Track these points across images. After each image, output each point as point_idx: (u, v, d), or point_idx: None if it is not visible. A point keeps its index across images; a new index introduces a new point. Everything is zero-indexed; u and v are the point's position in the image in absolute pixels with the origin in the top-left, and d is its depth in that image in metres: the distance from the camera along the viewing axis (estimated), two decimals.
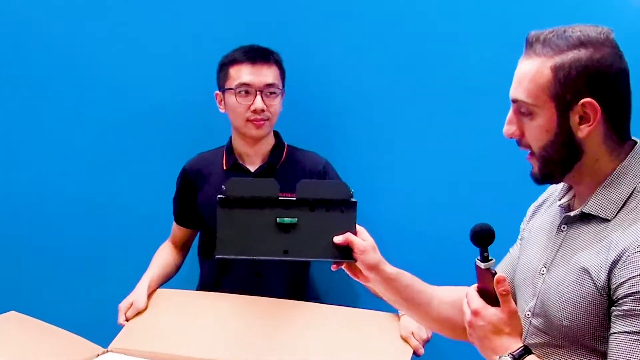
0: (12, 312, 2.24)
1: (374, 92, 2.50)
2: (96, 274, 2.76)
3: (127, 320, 2.26)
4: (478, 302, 1.48)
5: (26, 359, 2.06)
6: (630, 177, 1.46)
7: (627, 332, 1.36)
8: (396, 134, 2.49)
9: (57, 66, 2.73)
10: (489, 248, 1.46)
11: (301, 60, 2.50)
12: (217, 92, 2.42)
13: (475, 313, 1.47)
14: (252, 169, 2.41)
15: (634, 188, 1.45)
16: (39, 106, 2.76)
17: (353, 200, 1.61)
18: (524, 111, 1.46)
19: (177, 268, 2.53)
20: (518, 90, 1.46)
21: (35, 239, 2.81)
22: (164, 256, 2.50)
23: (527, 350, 1.46)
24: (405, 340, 2.16)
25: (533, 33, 1.47)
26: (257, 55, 2.35)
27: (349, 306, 2.30)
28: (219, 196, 1.58)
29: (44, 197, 2.78)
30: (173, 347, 2.13)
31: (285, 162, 2.42)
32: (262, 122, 2.34)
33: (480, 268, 1.46)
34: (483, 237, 1.45)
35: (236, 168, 2.41)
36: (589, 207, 1.47)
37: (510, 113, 1.50)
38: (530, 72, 1.44)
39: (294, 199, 1.59)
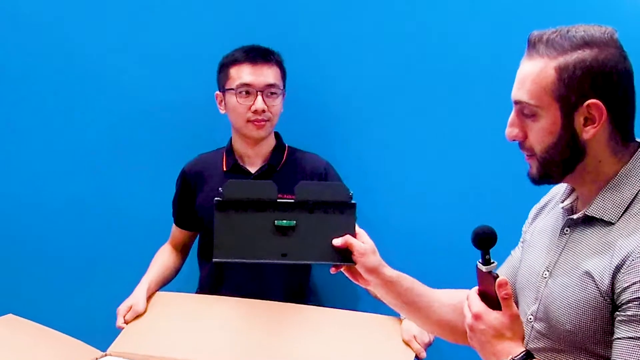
0: (10, 315, 2.24)
1: (376, 93, 2.50)
2: (95, 276, 2.76)
3: (125, 323, 2.26)
4: (479, 306, 1.46)
5: None
6: (634, 179, 1.45)
7: (631, 338, 1.35)
8: (398, 136, 2.49)
9: (56, 67, 2.72)
10: (491, 251, 1.45)
11: (302, 61, 2.50)
12: (218, 92, 2.41)
13: (476, 317, 1.46)
14: (253, 170, 2.40)
15: (638, 191, 1.44)
16: (37, 107, 2.76)
17: (352, 202, 1.60)
18: (527, 113, 1.45)
19: (177, 271, 2.52)
20: (521, 91, 1.45)
21: (33, 241, 2.80)
22: (164, 259, 2.49)
23: (529, 355, 1.45)
24: (407, 344, 2.16)
25: (536, 33, 1.46)
26: (258, 55, 2.35)
27: (350, 309, 2.30)
28: (216, 199, 1.57)
29: (42, 199, 2.78)
30: (172, 350, 2.12)
31: (286, 164, 2.42)
32: (262, 122, 2.34)
33: (482, 271, 1.45)
34: (485, 240, 1.44)
35: (236, 169, 2.40)
36: (592, 210, 1.46)
37: (512, 115, 1.48)
38: (533, 73, 1.43)
39: (293, 201, 1.58)
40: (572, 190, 1.56)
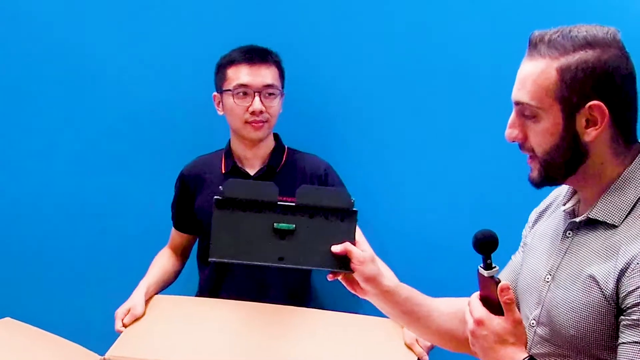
0: (8, 319, 2.24)
1: (376, 94, 2.50)
2: (93, 280, 2.75)
3: (124, 326, 2.24)
4: (481, 311, 1.45)
5: None
6: (637, 181, 1.44)
7: (636, 342, 1.34)
8: (398, 137, 2.49)
9: (54, 67, 2.71)
10: (492, 255, 1.44)
11: (302, 61, 2.49)
12: (215, 93, 2.41)
13: (478, 322, 1.45)
14: (252, 172, 2.40)
15: None
16: (34, 108, 2.74)
17: (354, 209, 1.58)
18: (527, 114, 1.44)
19: (176, 274, 2.52)
20: (521, 92, 1.44)
21: (31, 243, 2.80)
22: (163, 262, 2.48)
23: None
24: (409, 347, 2.15)
25: (537, 33, 1.45)
26: (255, 55, 2.34)
27: (352, 312, 2.29)
28: (215, 197, 1.56)
29: (40, 202, 2.77)
30: (171, 354, 2.11)
31: (286, 165, 2.41)
32: (260, 123, 2.33)
33: (483, 276, 1.44)
34: (486, 244, 1.43)
35: (235, 172, 2.40)
36: (595, 213, 1.45)
37: (512, 116, 1.48)
38: (535, 73, 1.42)
39: (293, 204, 1.57)
40: (574, 193, 1.55)
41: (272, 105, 2.34)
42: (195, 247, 2.55)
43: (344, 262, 1.57)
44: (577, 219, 1.49)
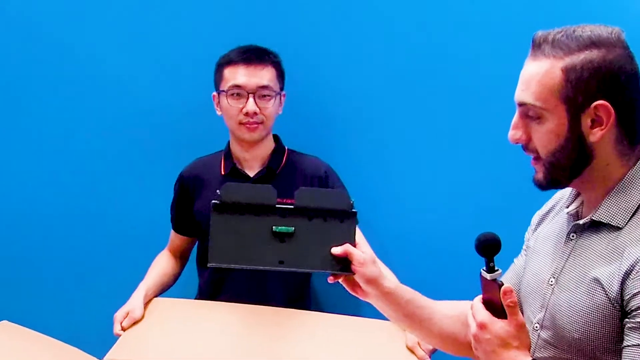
0: (5, 322, 2.23)
1: (377, 95, 2.50)
2: (92, 282, 2.75)
3: (123, 330, 2.24)
4: (484, 315, 1.45)
5: None
6: None
7: None
8: (399, 139, 2.49)
9: (52, 68, 2.71)
10: (495, 258, 1.44)
11: (302, 62, 2.50)
12: (214, 93, 2.41)
13: (481, 326, 1.45)
14: (251, 174, 2.40)
15: None
16: (32, 109, 2.74)
17: (353, 210, 1.58)
18: (531, 115, 1.44)
19: (176, 277, 2.52)
20: (525, 93, 1.43)
21: (28, 245, 2.79)
22: (162, 265, 2.48)
23: None
24: (411, 350, 2.15)
25: (540, 33, 1.44)
26: (253, 55, 2.34)
27: (353, 315, 2.28)
28: (213, 201, 1.56)
29: (37, 203, 2.76)
30: (170, 357, 2.11)
31: (286, 167, 2.41)
32: (255, 125, 2.32)
33: (486, 279, 1.44)
34: (489, 247, 1.43)
35: (235, 173, 2.39)
36: (599, 215, 1.45)
37: (515, 117, 1.47)
38: (539, 74, 1.41)
39: (292, 207, 1.57)
40: (577, 195, 1.55)
41: (267, 107, 2.33)
42: (194, 249, 2.55)
43: (344, 264, 1.56)
44: (581, 222, 1.48)
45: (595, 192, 1.47)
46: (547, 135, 1.43)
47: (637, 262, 1.35)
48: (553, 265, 1.52)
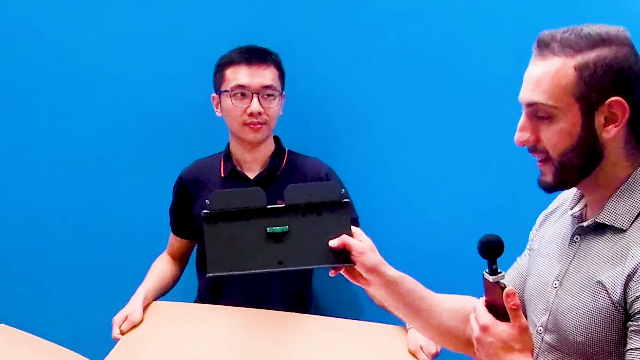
0: (2, 326, 2.24)
1: (379, 96, 2.49)
2: (90, 286, 2.74)
3: (122, 334, 2.24)
4: (486, 317, 1.44)
5: None
6: None
7: None
8: (401, 140, 2.49)
9: (51, 69, 2.70)
10: (498, 260, 1.43)
11: (303, 62, 2.49)
12: (214, 94, 2.41)
13: (483, 329, 1.44)
14: (251, 176, 2.39)
15: None
16: (30, 110, 2.73)
17: (345, 200, 1.58)
18: (542, 115, 1.43)
19: (175, 280, 2.51)
20: (535, 92, 1.43)
21: (26, 248, 2.79)
22: (161, 268, 2.48)
23: None
24: (414, 354, 2.15)
25: (547, 32, 1.44)
26: (254, 55, 2.34)
27: (354, 319, 2.28)
28: (203, 212, 1.56)
29: (36, 205, 2.76)
30: None
31: (286, 169, 2.41)
32: (259, 125, 2.32)
33: (489, 281, 1.43)
34: (492, 249, 1.42)
35: (234, 175, 2.39)
36: (603, 217, 1.45)
37: (522, 119, 1.47)
38: (551, 72, 1.41)
39: (283, 206, 1.56)
40: (581, 197, 1.55)
41: (271, 107, 2.34)
42: (194, 252, 2.54)
43: (343, 256, 1.56)
44: (585, 224, 1.48)
45: (600, 193, 1.47)
46: (559, 135, 1.42)
47: None
48: (557, 268, 1.52)
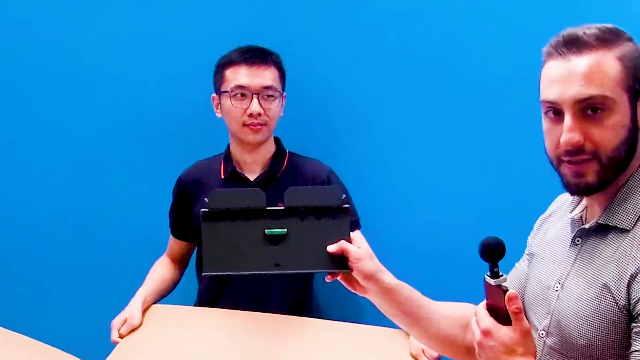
0: None
1: (380, 97, 2.50)
2: (89, 289, 2.74)
3: (120, 337, 2.24)
4: (488, 321, 1.44)
5: None
6: None
7: None
8: (403, 141, 2.49)
9: (49, 69, 2.70)
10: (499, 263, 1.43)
11: (304, 63, 2.49)
12: (214, 95, 2.41)
13: (485, 333, 1.44)
14: (252, 177, 2.39)
15: None
16: (28, 111, 2.73)
17: (345, 206, 1.58)
18: (597, 109, 1.41)
19: (175, 283, 2.51)
20: (589, 87, 1.40)
21: (23, 250, 2.78)
22: (161, 271, 2.48)
23: None
24: (415, 358, 2.14)
25: (572, 30, 1.44)
26: (254, 56, 2.34)
27: (355, 322, 2.28)
28: (202, 210, 1.56)
29: (34, 207, 2.76)
30: None
31: (287, 171, 2.40)
32: (259, 126, 2.32)
33: (490, 285, 1.43)
34: (493, 252, 1.42)
35: (235, 177, 2.39)
36: (605, 218, 1.45)
37: (569, 119, 1.42)
38: (597, 65, 1.41)
39: (282, 208, 1.57)
40: (580, 200, 1.54)
41: (271, 108, 2.34)
42: (194, 255, 2.54)
43: (341, 262, 1.56)
44: (587, 226, 1.49)
45: (604, 193, 1.47)
46: (614, 128, 1.41)
47: None
48: (558, 271, 1.52)
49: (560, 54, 1.43)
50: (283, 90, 2.39)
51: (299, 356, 2.13)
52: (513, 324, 1.41)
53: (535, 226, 1.69)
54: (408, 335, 2.16)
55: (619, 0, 2.19)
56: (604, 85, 1.40)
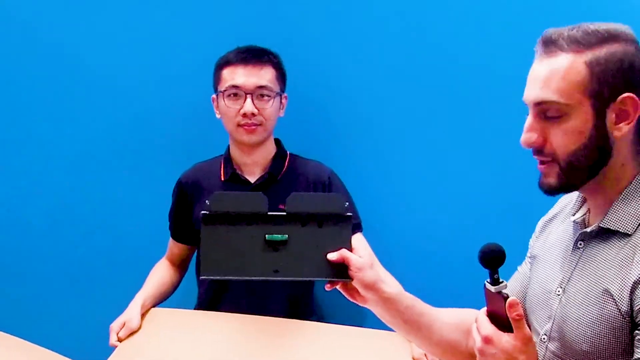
0: None
1: (382, 98, 2.50)
2: (88, 292, 2.75)
3: (119, 341, 2.24)
4: (489, 328, 1.44)
5: None
6: None
7: None
8: (404, 142, 2.49)
9: (48, 70, 2.70)
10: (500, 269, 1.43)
11: (305, 64, 2.50)
12: (213, 95, 2.41)
13: (486, 340, 1.44)
14: (252, 179, 2.39)
15: None
16: (26, 112, 2.74)
17: (348, 214, 1.57)
18: (551, 114, 1.43)
19: (174, 287, 2.51)
20: (545, 90, 1.42)
21: (23, 252, 2.79)
22: (160, 274, 2.48)
23: None
24: None
25: (552, 30, 1.45)
26: (251, 55, 2.34)
27: (357, 326, 2.28)
28: (202, 212, 1.56)
29: (33, 209, 2.77)
30: None
31: (287, 172, 2.40)
32: (253, 127, 2.32)
33: (490, 291, 1.43)
34: (492, 259, 1.42)
35: (235, 179, 2.39)
36: (607, 222, 1.45)
37: (529, 120, 1.46)
38: (561, 69, 1.41)
39: (284, 213, 1.56)
40: (583, 202, 1.54)
41: (266, 108, 2.33)
42: (194, 258, 2.54)
43: (341, 270, 1.55)
44: (588, 229, 1.48)
45: (604, 197, 1.47)
46: (570, 134, 1.42)
47: None
48: (560, 275, 1.51)
49: (538, 54, 1.45)
50: (282, 90, 2.39)
51: (298, 358, 2.13)
52: (514, 331, 1.41)
53: (537, 228, 1.69)
54: None
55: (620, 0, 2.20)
56: (560, 91, 1.40)
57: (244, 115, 2.31)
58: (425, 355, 2.13)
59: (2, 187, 2.78)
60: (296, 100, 2.44)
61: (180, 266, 2.54)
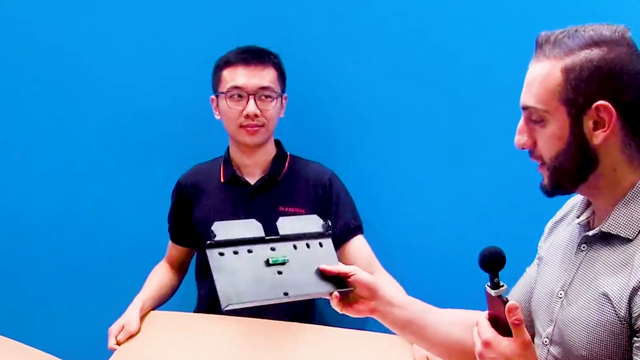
0: None
1: (382, 99, 2.50)
2: (86, 294, 2.75)
3: (118, 344, 2.24)
4: (489, 332, 1.44)
5: None
6: None
7: None
8: (406, 143, 2.49)
9: (47, 71, 2.71)
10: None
11: (304, 64, 2.50)
12: (213, 96, 2.40)
13: (486, 344, 1.44)
14: (252, 181, 2.39)
15: None
16: (26, 112, 2.74)
17: (328, 232, 1.65)
18: (535, 119, 1.45)
19: (174, 289, 2.51)
20: (527, 96, 1.45)
21: (21, 255, 2.79)
22: (159, 277, 2.48)
23: None
24: None
25: (543, 34, 1.46)
26: (252, 56, 2.34)
27: (358, 329, 2.28)
28: (207, 243, 1.57)
29: (31, 210, 2.77)
30: None
31: (288, 174, 2.40)
32: (256, 128, 2.32)
33: (491, 295, 1.43)
34: (493, 263, 1.42)
35: (234, 181, 2.39)
36: (609, 226, 1.45)
37: (521, 122, 1.48)
38: (540, 75, 1.43)
39: (279, 237, 1.62)
40: (588, 205, 1.55)
41: (268, 109, 2.33)
42: (193, 260, 2.54)
43: (340, 282, 1.62)
44: (590, 233, 1.48)
45: (605, 200, 1.47)
46: (550, 139, 1.43)
47: None
48: (562, 277, 1.52)
49: (532, 58, 1.47)
50: (283, 91, 2.39)
51: None
52: (513, 335, 1.41)
53: (546, 230, 1.69)
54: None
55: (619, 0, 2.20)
56: (538, 97, 1.42)
57: (247, 116, 2.31)
58: (427, 358, 2.12)
59: (2, 187, 2.78)
60: (296, 100, 2.44)
61: (180, 269, 2.54)
